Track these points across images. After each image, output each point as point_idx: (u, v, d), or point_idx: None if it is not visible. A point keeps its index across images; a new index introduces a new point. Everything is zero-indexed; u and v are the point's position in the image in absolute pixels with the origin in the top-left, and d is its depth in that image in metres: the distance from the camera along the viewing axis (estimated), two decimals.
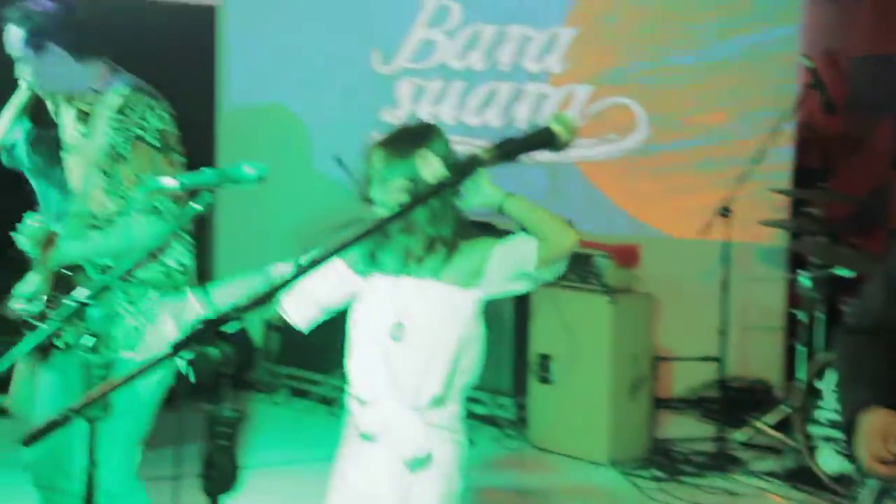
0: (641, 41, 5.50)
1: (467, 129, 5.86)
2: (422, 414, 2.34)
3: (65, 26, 3.01)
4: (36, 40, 2.96)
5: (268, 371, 5.51)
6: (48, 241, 2.95)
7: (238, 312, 1.77)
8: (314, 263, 1.84)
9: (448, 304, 2.37)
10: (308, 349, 5.31)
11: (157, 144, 2.99)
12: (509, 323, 5.01)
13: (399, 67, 6.07)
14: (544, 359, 4.84)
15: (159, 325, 3.04)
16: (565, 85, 5.65)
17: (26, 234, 2.98)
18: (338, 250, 1.84)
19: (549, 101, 5.67)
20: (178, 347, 1.77)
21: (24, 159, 3.28)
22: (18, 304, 3.10)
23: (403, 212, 2.06)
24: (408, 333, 2.35)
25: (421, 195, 2.19)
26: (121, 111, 2.99)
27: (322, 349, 4.65)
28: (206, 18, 6.18)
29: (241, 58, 6.29)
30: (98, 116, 3.02)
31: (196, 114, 6.08)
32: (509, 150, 1.98)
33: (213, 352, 1.78)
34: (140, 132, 2.98)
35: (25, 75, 3.04)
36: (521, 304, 4.93)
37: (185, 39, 5.95)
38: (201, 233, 3.18)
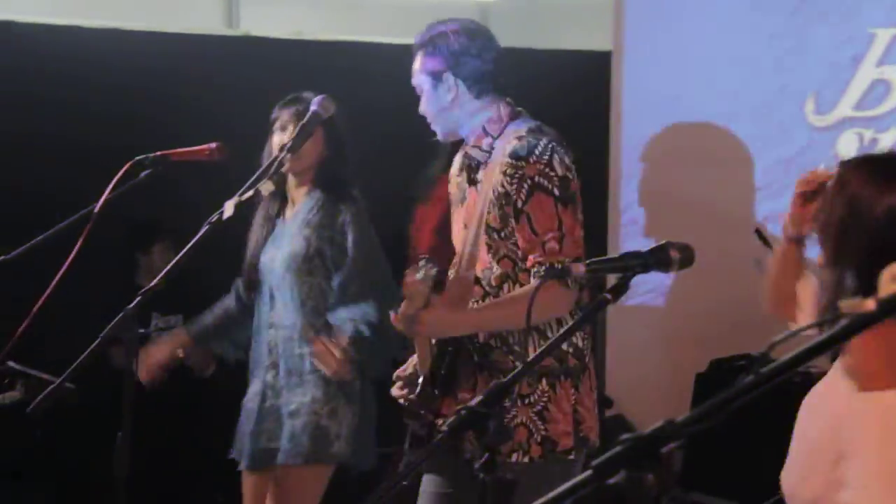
0: None
1: None
2: None
3: (466, 54, 3.02)
4: (432, 67, 3.00)
5: (672, 498, 5.32)
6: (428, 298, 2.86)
7: (685, 428, 1.60)
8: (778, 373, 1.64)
9: None
10: (725, 468, 5.09)
11: (561, 196, 2.91)
12: None
13: (840, 117, 5.74)
14: None
15: (552, 423, 2.94)
16: None
17: (419, 281, 2.88)
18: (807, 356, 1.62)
19: None
20: (603, 469, 1.63)
21: None
22: (397, 391, 3.11)
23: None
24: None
25: None
26: (516, 154, 2.92)
27: (742, 468, 4.41)
28: (599, 66, 6.24)
29: (639, 112, 6.25)
30: (492, 164, 2.99)
31: (586, 177, 6.17)
32: None
33: (649, 479, 1.63)
34: (541, 181, 2.91)
35: (422, 108, 3.07)
36: None
37: (575, 90, 6.03)
38: None
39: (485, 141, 3.02)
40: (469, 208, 3.04)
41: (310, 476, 3.74)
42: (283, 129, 3.74)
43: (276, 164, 2.90)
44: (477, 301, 2.99)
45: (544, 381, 2.96)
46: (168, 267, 2.84)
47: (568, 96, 5.91)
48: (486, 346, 2.97)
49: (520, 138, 2.94)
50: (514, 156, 2.92)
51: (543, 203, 2.89)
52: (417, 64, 3.05)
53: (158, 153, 3.21)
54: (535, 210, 2.89)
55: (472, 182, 3.06)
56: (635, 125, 6.23)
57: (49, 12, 5.69)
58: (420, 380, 3.01)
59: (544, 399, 2.97)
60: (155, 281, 2.79)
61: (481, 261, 2.97)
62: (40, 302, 2.99)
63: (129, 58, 5.49)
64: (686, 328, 5.83)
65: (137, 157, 3.17)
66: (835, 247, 2.22)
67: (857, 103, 5.71)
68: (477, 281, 2.99)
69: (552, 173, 2.90)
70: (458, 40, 3.02)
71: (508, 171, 2.91)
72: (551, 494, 1.71)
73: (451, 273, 3.08)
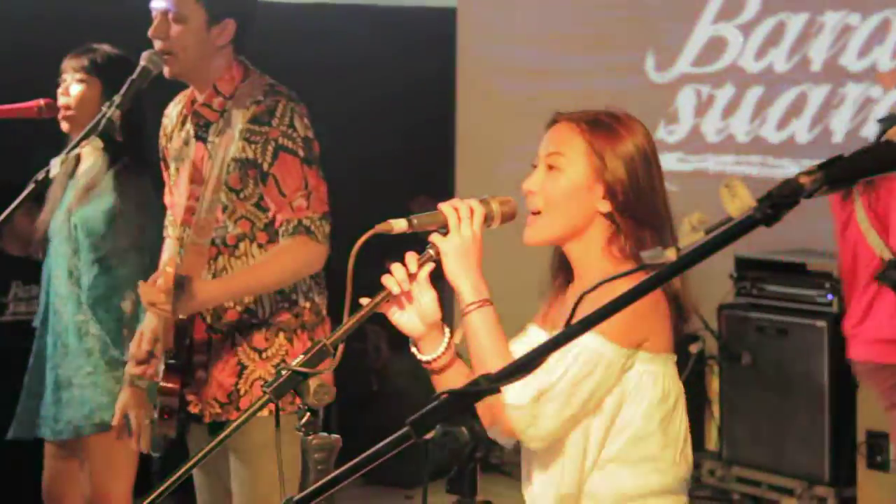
0: None
1: (768, 146, 5.54)
2: None
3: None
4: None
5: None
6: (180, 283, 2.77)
7: (500, 382, 1.61)
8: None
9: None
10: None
11: (305, 156, 2.91)
12: (825, 393, 4.71)
13: (679, 73, 5.82)
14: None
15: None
16: None
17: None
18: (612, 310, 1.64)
19: (879, 108, 5.29)
20: (418, 426, 1.63)
21: None
22: (136, 369, 3.03)
23: (701, 256, 1.84)
24: None
25: (726, 235, 1.97)
26: (257, 120, 2.90)
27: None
28: (444, 22, 6.24)
29: (483, 67, 6.27)
30: (226, 124, 2.93)
31: (433, 133, 6.17)
32: (841, 172, 1.71)
33: (463, 432, 1.64)
34: (285, 142, 2.90)
35: (173, 42, 2.95)
36: (841, 368, 4.54)
37: (421, 46, 6.02)
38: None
39: (216, 100, 2.98)
40: (197, 166, 2.99)
41: (86, 449, 3.47)
42: (78, 81, 3.53)
43: (103, 120, 2.80)
44: (211, 261, 2.96)
45: (282, 336, 2.97)
46: None
47: (414, 53, 5.91)
48: (219, 307, 2.95)
49: (258, 103, 2.92)
50: (256, 121, 2.91)
51: (289, 164, 2.90)
52: None
53: None
54: (280, 171, 2.90)
55: (202, 139, 3.00)
56: (480, 81, 6.25)
57: None
58: (163, 353, 2.96)
59: (282, 352, 2.97)
60: None
61: (216, 220, 2.95)
62: None
63: None
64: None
65: None
66: None
67: (694, 60, 5.80)
68: (212, 243, 2.96)
69: (295, 134, 2.91)
70: None
71: (252, 138, 2.90)
72: (371, 450, 1.71)
73: (176, 237, 3.03)
